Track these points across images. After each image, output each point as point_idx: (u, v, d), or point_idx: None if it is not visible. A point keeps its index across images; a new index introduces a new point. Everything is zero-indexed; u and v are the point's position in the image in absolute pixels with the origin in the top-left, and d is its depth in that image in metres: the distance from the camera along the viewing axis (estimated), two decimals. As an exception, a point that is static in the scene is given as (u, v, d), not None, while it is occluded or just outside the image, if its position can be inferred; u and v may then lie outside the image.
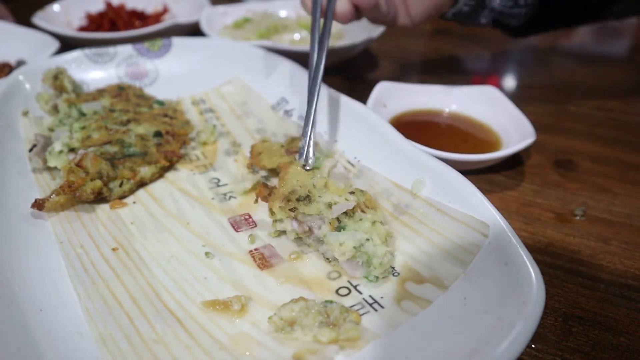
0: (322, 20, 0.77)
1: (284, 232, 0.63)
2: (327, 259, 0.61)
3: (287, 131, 0.84)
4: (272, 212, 0.62)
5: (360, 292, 0.56)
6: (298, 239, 0.63)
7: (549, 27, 1.07)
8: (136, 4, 1.48)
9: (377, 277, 0.57)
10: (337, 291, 0.57)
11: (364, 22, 1.29)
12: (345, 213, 0.59)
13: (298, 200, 0.61)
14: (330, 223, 0.59)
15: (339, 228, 0.58)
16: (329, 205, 0.60)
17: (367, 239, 0.57)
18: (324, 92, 0.83)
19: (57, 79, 0.89)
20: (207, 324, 0.52)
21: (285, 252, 0.62)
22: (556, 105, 1.10)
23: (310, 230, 0.60)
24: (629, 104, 1.11)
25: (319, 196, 0.62)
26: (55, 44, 1.11)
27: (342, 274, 0.59)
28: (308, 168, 0.68)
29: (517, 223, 0.73)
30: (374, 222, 0.59)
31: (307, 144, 0.69)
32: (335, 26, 1.33)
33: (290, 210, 0.60)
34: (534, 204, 0.77)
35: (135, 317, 0.53)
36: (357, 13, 0.77)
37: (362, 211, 0.60)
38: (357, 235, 0.57)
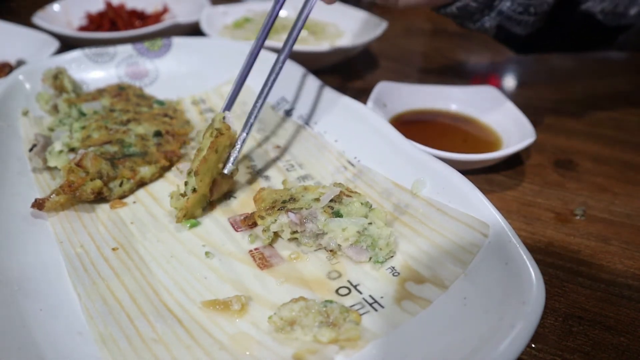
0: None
1: (276, 238, 0.64)
2: (330, 250, 0.61)
3: (287, 131, 0.84)
4: (260, 218, 0.61)
5: (360, 292, 0.56)
6: (294, 239, 0.63)
7: (553, 48, 1.03)
8: (136, 4, 1.48)
9: (384, 259, 0.58)
10: (337, 291, 0.57)
11: (364, 21, 1.30)
12: (334, 200, 0.60)
13: (284, 202, 0.62)
14: (324, 210, 0.59)
15: (335, 214, 0.59)
16: (316, 200, 0.60)
17: (370, 223, 0.58)
18: (324, 92, 0.83)
19: (57, 78, 0.88)
20: (207, 324, 0.52)
21: (285, 252, 0.62)
22: (556, 105, 1.10)
23: (306, 220, 0.60)
24: (629, 104, 1.11)
25: (302, 196, 0.62)
26: (55, 44, 1.11)
27: (342, 274, 0.59)
28: (225, 172, 0.68)
29: (517, 223, 0.73)
30: (371, 206, 0.60)
31: (238, 150, 0.70)
32: (336, 26, 1.34)
33: (279, 209, 0.61)
34: (534, 204, 0.77)
35: (135, 317, 0.53)
36: None
37: (347, 196, 0.61)
38: (360, 220, 0.58)
